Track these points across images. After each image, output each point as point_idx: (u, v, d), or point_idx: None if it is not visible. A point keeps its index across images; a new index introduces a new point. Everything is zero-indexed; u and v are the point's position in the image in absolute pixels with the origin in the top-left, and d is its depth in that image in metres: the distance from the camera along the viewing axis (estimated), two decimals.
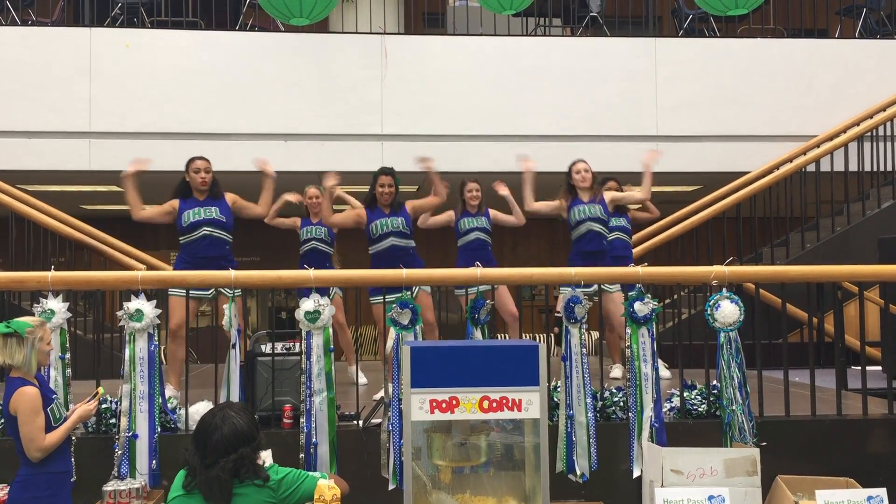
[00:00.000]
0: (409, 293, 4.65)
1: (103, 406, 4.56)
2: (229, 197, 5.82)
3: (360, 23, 9.39)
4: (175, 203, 5.71)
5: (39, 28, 8.79)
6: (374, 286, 5.61)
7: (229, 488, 3.07)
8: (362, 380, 6.37)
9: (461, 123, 8.82)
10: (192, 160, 5.79)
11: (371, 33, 8.99)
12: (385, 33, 9.02)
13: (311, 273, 4.63)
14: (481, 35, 9.24)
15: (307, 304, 4.53)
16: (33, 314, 4.34)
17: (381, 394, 4.75)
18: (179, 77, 8.61)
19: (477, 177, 6.83)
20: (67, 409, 3.98)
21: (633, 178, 7.03)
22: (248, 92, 8.66)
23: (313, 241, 6.79)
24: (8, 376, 3.73)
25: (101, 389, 4.23)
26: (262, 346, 4.92)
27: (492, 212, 6.68)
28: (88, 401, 3.99)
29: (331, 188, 5.93)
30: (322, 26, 9.44)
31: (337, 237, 6.92)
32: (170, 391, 5.18)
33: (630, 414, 4.66)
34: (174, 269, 5.84)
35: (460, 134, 8.80)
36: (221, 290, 5.37)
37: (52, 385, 4.23)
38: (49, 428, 3.67)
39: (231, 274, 4.64)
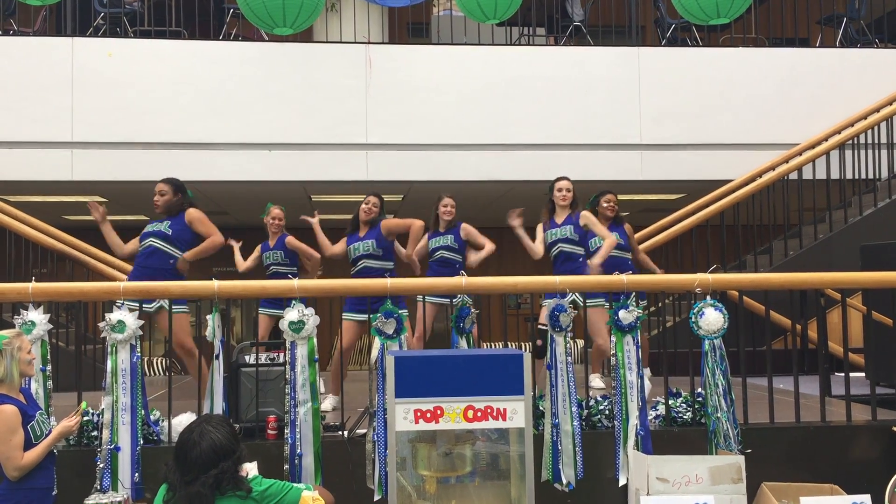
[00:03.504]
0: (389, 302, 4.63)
1: (85, 419, 4.51)
2: (192, 213, 5.72)
3: (344, 32, 9.38)
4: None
5: (21, 38, 8.74)
6: (359, 296, 5.58)
7: (210, 503, 3.05)
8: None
9: (445, 133, 8.82)
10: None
11: (355, 43, 8.99)
12: (369, 43, 9.02)
13: (294, 283, 4.61)
14: (465, 44, 9.27)
15: (291, 315, 4.50)
16: (14, 326, 4.30)
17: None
18: (162, 87, 8.57)
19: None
20: (50, 422, 3.92)
21: (617, 187, 7.05)
22: (231, 101, 8.64)
23: (273, 266, 6.73)
24: None
25: (83, 404, 4.18)
26: (246, 357, 4.89)
27: (465, 227, 6.48)
28: (71, 416, 3.94)
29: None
30: (306, 36, 9.44)
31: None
32: None
33: (615, 422, 4.66)
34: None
35: (444, 143, 8.81)
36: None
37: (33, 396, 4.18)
38: (29, 445, 3.61)
39: (215, 284, 4.61)
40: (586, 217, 6.09)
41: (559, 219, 6.10)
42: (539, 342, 5.28)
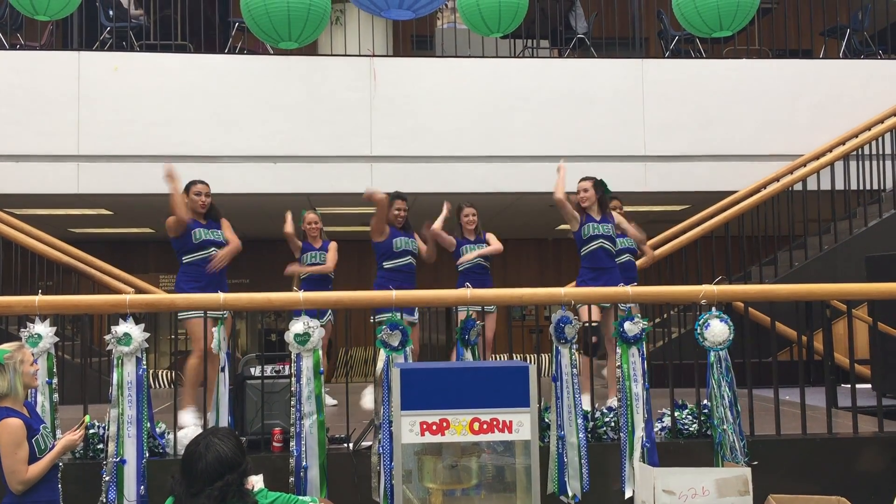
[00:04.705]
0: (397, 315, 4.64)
1: (91, 431, 4.52)
2: (224, 223, 5.84)
3: (348, 45, 9.43)
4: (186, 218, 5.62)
5: (28, 52, 8.80)
6: (365, 307, 5.56)
7: None
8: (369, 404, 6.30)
9: (450, 145, 8.84)
10: (192, 183, 5.73)
11: (360, 55, 9.03)
12: (374, 55, 9.06)
13: (300, 295, 4.62)
14: (469, 57, 9.29)
15: (297, 327, 4.51)
16: (20, 339, 4.31)
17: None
18: (168, 100, 8.60)
19: (465, 197, 6.84)
20: (55, 437, 3.91)
21: (622, 198, 7.04)
22: (237, 114, 8.67)
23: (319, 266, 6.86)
24: None
25: (87, 418, 4.18)
26: (252, 369, 4.90)
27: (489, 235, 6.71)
28: (75, 429, 3.93)
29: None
30: (311, 49, 9.47)
31: None
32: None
33: (621, 434, 4.65)
34: (177, 287, 5.60)
35: (449, 155, 8.82)
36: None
37: (38, 410, 4.18)
38: (33, 459, 3.59)
39: (220, 296, 4.62)
40: (618, 217, 6.28)
41: (597, 216, 6.10)
42: (594, 339, 5.40)
